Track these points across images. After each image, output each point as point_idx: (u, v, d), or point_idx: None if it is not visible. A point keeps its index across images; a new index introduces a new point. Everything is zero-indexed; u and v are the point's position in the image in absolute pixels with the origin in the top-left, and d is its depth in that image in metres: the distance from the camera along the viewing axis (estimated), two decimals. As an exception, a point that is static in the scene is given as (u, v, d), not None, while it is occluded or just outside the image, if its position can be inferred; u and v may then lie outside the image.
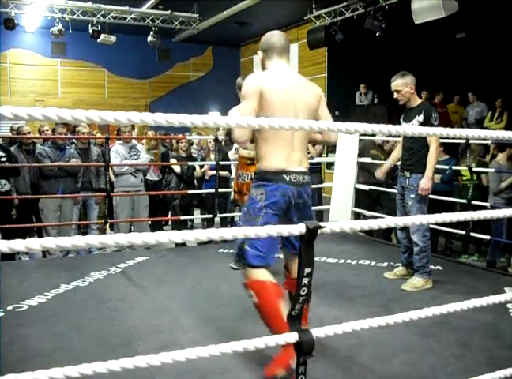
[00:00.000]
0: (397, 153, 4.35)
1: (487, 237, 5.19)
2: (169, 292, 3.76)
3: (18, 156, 5.50)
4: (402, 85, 3.90)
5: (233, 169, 6.99)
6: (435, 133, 1.70)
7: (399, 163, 4.24)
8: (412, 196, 3.89)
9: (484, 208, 4.90)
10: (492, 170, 5.63)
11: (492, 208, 4.92)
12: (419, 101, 3.98)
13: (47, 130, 6.18)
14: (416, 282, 3.88)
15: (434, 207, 4.27)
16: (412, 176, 3.91)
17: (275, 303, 2.35)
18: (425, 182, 3.80)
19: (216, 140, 5.63)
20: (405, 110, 4.07)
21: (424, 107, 3.93)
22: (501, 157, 5.74)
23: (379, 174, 4.55)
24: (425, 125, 3.77)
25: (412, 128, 1.74)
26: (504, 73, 7.81)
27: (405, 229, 4.03)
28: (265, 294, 2.38)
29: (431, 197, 4.88)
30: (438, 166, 5.85)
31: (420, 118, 3.84)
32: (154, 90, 13.65)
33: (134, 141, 6.11)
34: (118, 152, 5.83)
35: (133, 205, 5.93)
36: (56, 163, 5.43)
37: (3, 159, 5.18)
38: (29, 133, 5.96)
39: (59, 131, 5.84)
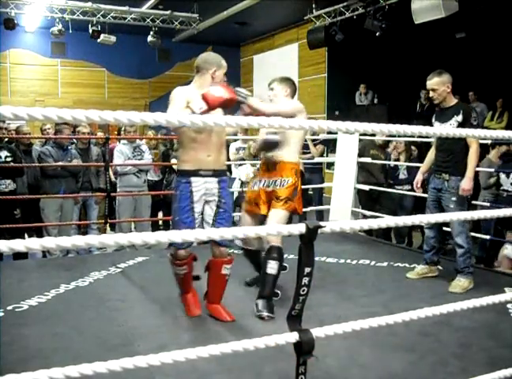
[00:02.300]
0: (430, 157, 4.18)
1: (487, 237, 5.19)
2: (169, 292, 3.75)
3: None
4: (439, 84, 3.78)
5: (233, 169, 7.00)
6: (442, 133, 1.70)
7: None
8: (454, 199, 3.80)
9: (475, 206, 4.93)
10: (490, 169, 5.62)
11: (489, 207, 4.91)
12: (455, 101, 3.89)
13: (49, 129, 6.15)
14: (463, 283, 3.84)
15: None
16: (451, 178, 3.83)
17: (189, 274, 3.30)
18: (467, 183, 3.73)
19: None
20: (438, 111, 3.98)
21: (463, 107, 3.85)
22: (492, 154, 5.76)
23: (418, 186, 4.21)
24: (464, 125, 3.67)
25: (412, 128, 1.74)
26: (504, 73, 7.81)
27: (434, 228, 4.01)
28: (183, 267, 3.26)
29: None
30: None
31: (459, 117, 3.75)
32: (154, 90, 13.65)
33: (139, 141, 6.09)
34: (121, 152, 5.81)
35: (135, 205, 5.92)
36: (60, 163, 5.43)
37: (8, 159, 5.19)
38: (29, 133, 5.94)
39: (65, 132, 5.83)
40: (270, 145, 3.44)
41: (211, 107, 2.84)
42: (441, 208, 3.92)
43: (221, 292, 3.26)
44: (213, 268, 3.23)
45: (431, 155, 4.17)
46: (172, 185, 6.62)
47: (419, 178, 4.21)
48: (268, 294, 3.33)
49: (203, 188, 3.10)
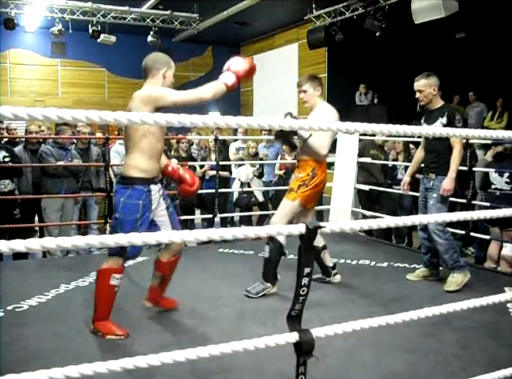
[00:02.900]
0: (417, 157, 4.27)
1: (487, 237, 5.19)
2: (169, 292, 3.75)
3: (22, 156, 5.50)
4: (426, 86, 3.85)
5: (233, 169, 7.01)
6: (442, 133, 1.70)
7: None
8: (434, 195, 3.88)
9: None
10: (485, 169, 5.62)
11: (488, 207, 4.91)
12: (441, 103, 3.94)
13: (43, 131, 6.17)
14: (456, 278, 3.85)
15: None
16: (437, 178, 3.90)
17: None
18: (447, 183, 3.79)
19: (216, 140, 5.62)
20: (426, 112, 4.03)
21: (448, 109, 3.90)
22: (488, 155, 5.76)
23: (405, 188, 4.31)
24: (449, 127, 3.71)
25: (412, 128, 1.74)
26: (504, 73, 7.81)
27: (426, 230, 4.03)
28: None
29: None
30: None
31: (444, 119, 3.81)
32: (154, 90, 13.63)
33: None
34: (118, 152, 5.82)
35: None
36: (61, 163, 5.44)
37: (7, 159, 5.19)
38: (37, 132, 5.93)
39: (68, 132, 5.83)
40: (283, 134, 3.68)
41: (240, 79, 2.88)
42: None
43: (110, 306, 2.98)
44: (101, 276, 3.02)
45: (417, 156, 4.27)
46: (172, 184, 6.62)
47: (406, 179, 4.30)
48: (263, 276, 3.74)
49: (158, 195, 3.03)
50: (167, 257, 3.26)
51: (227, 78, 2.83)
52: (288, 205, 3.71)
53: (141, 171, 2.90)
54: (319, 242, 3.92)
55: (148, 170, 2.92)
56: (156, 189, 3.00)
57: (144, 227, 2.91)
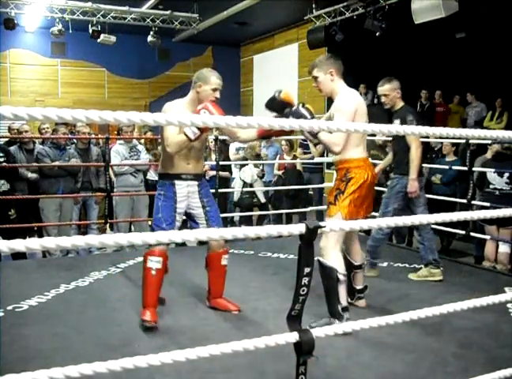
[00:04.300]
0: (388, 158, 4.56)
1: (487, 237, 5.19)
2: (169, 292, 3.75)
3: (18, 156, 5.49)
4: (390, 90, 4.01)
5: (234, 169, 7.00)
6: (442, 133, 1.70)
7: None
8: (391, 192, 4.11)
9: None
10: (489, 168, 5.62)
11: (485, 207, 4.91)
12: (400, 105, 4.09)
13: (48, 128, 6.14)
14: (366, 273, 3.89)
15: (436, 208, 4.28)
16: (395, 176, 4.15)
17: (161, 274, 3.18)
18: (411, 186, 3.93)
19: (216, 140, 5.62)
20: (392, 113, 4.21)
21: (402, 110, 4.05)
22: (487, 154, 5.76)
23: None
24: None
25: (412, 128, 1.74)
26: (504, 73, 7.80)
27: (417, 229, 4.22)
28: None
29: (431, 197, 4.90)
30: (442, 167, 5.87)
31: (397, 121, 3.95)
32: (154, 90, 13.64)
33: (135, 141, 6.10)
34: (118, 152, 5.82)
35: (133, 205, 5.92)
36: (56, 163, 5.42)
37: (1, 160, 5.19)
38: (26, 132, 5.92)
39: (62, 131, 5.83)
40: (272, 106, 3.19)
41: (204, 132, 2.94)
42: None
43: (223, 284, 3.43)
44: (213, 261, 3.40)
45: (389, 156, 4.55)
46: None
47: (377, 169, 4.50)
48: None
49: (186, 190, 3.24)
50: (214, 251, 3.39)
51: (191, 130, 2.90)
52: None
53: (165, 168, 3.24)
54: (357, 258, 3.38)
55: (172, 167, 3.20)
56: (182, 183, 3.22)
57: (170, 215, 3.18)
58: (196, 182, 3.28)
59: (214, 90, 3.13)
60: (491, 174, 5.28)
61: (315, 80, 3.25)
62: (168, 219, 3.16)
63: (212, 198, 3.41)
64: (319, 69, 3.21)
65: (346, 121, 2.95)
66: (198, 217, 3.29)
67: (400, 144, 4.01)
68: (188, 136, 2.89)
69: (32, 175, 5.43)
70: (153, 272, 3.11)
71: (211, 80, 3.14)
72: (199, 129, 2.84)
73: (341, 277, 3.01)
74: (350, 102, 3.11)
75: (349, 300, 3.31)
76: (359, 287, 3.44)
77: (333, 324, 2.81)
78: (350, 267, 3.33)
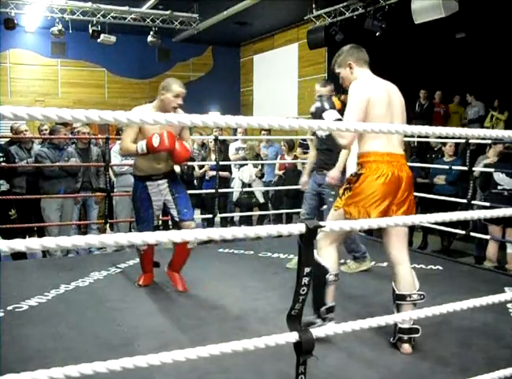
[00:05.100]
0: (311, 156, 4.66)
1: (487, 237, 5.19)
2: (169, 292, 3.76)
3: (18, 154, 5.49)
4: (328, 91, 4.24)
5: (233, 169, 7.01)
6: (441, 133, 1.70)
7: None
8: (333, 193, 4.21)
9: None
10: (489, 168, 5.62)
11: (489, 207, 4.91)
12: None
13: (46, 130, 6.15)
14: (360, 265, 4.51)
15: (437, 208, 4.28)
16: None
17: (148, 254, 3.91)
18: (333, 172, 4.16)
19: (216, 140, 5.63)
20: None
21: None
22: (490, 153, 5.75)
23: (305, 187, 4.67)
24: None
25: (412, 128, 1.74)
26: (504, 73, 7.80)
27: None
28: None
29: (433, 197, 4.89)
30: (442, 167, 5.87)
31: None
32: (154, 90, 13.54)
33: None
34: (118, 152, 5.82)
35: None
36: (56, 164, 5.42)
37: (0, 160, 5.18)
38: (26, 131, 5.91)
39: (61, 132, 5.82)
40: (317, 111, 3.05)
41: (150, 153, 3.41)
42: (320, 200, 4.45)
43: (183, 263, 3.82)
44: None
45: (311, 155, 4.66)
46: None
47: (305, 180, 4.66)
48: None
49: (157, 189, 3.67)
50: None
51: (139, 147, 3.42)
52: (332, 217, 2.89)
53: (137, 171, 3.70)
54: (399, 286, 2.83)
55: (143, 169, 3.65)
56: (153, 184, 3.67)
57: (148, 213, 3.72)
58: (166, 180, 3.68)
59: (176, 96, 3.45)
60: (498, 175, 5.27)
61: (339, 76, 3.11)
62: (148, 218, 3.70)
63: (181, 186, 3.80)
64: (339, 65, 3.09)
65: (353, 113, 2.81)
66: (169, 203, 3.71)
67: (335, 144, 3.88)
68: (136, 150, 3.41)
69: (29, 160, 5.49)
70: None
71: (172, 87, 3.45)
72: (148, 151, 3.36)
73: (331, 277, 2.87)
74: (359, 92, 2.89)
75: (391, 340, 2.82)
76: (401, 326, 2.73)
77: (315, 324, 2.79)
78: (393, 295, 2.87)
